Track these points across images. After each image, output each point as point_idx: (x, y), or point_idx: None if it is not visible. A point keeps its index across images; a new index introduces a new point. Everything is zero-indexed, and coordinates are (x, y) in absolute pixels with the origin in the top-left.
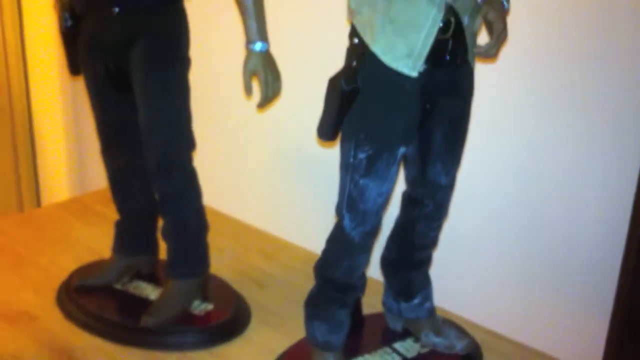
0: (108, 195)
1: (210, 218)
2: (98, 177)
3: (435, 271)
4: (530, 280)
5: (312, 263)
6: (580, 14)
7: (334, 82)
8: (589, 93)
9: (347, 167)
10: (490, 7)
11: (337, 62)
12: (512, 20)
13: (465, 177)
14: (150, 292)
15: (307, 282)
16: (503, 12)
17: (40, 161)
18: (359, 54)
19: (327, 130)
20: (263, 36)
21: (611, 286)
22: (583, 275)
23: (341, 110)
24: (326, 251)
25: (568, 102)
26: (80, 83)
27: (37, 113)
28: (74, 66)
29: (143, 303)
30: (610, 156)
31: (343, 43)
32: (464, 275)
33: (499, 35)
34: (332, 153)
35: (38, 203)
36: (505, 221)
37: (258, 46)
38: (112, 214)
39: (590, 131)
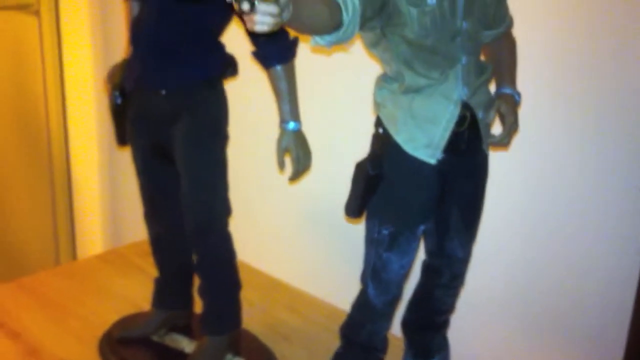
0: (144, 247)
1: (242, 272)
2: (132, 229)
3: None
4: (537, 328)
5: (336, 318)
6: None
7: (360, 167)
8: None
9: (371, 241)
10: (503, 101)
11: (362, 144)
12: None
13: None
14: (186, 345)
15: (331, 337)
16: (515, 105)
17: (76, 213)
18: (384, 142)
19: (353, 209)
20: (295, 116)
21: (622, 333)
22: (592, 322)
23: (366, 192)
24: (351, 315)
25: (576, 149)
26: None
27: (75, 165)
28: (122, 138)
29: (179, 356)
30: (621, 202)
31: (368, 129)
32: (470, 326)
33: (510, 127)
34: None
35: (74, 254)
36: (511, 274)
37: (291, 125)
38: (149, 266)
39: (597, 180)
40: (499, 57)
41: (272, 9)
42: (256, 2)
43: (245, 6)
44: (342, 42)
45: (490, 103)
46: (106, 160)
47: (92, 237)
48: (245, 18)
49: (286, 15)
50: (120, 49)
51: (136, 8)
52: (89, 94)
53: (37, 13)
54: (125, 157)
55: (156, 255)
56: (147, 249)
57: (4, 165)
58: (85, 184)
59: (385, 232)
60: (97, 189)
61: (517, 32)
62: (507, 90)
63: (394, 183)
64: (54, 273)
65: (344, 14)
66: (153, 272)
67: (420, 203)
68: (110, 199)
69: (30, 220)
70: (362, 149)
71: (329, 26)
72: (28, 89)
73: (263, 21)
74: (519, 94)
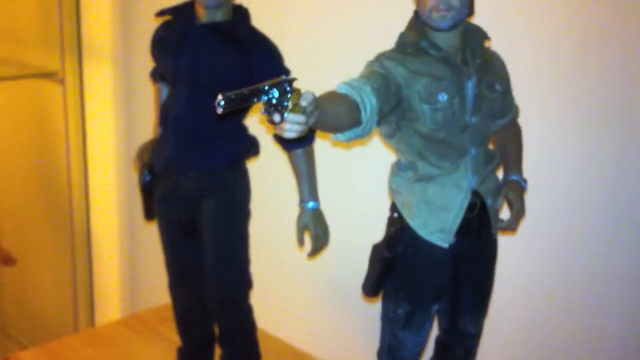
0: (165, 312)
1: (261, 339)
2: (150, 294)
3: None
4: None
5: None
6: None
7: (377, 249)
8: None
9: (387, 320)
10: (510, 189)
11: (377, 223)
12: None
13: None
14: None
15: None
16: (521, 192)
17: (96, 277)
18: (399, 226)
19: (370, 289)
20: (314, 196)
21: None
22: None
23: (383, 273)
24: None
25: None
26: (136, 204)
27: (96, 230)
28: (149, 214)
29: None
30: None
31: (382, 210)
32: None
33: (517, 212)
34: None
35: (92, 317)
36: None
37: (310, 205)
38: (169, 332)
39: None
40: (505, 145)
41: (300, 118)
42: (285, 114)
43: (277, 118)
44: (361, 137)
45: (498, 189)
46: (125, 227)
47: (110, 299)
48: (276, 127)
49: (312, 120)
50: (142, 118)
51: (164, 90)
52: (111, 160)
53: (62, 81)
54: (144, 223)
55: (180, 326)
56: (167, 314)
57: (27, 229)
58: (105, 248)
59: (400, 311)
60: (116, 253)
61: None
62: (514, 177)
63: (409, 265)
64: (79, 338)
65: (363, 113)
66: (173, 337)
67: (434, 284)
68: (128, 264)
69: (49, 282)
70: (376, 227)
71: (349, 125)
72: (51, 156)
73: (292, 129)
74: (525, 181)
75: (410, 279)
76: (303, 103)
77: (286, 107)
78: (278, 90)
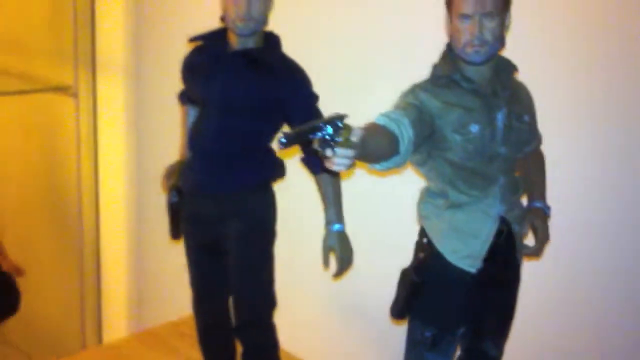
0: (181, 328)
1: (283, 357)
2: (157, 311)
3: None
4: None
5: None
6: None
7: (405, 274)
8: None
9: (414, 342)
10: (535, 216)
11: (402, 246)
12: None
13: None
14: None
15: None
16: (546, 218)
17: (104, 292)
18: (428, 251)
19: (398, 312)
20: (340, 219)
21: None
22: None
23: (410, 297)
24: None
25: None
26: (145, 220)
27: (105, 245)
28: (176, 233)
29: None
30: None
31: (406, 232)
32: None
33: (542, 239)
34: None
35: (100, 332)
36: None
37: (336, 227)
38: (185, 347)
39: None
40: (529, 172)
41: (350, 153)
42: (336, 149)
43: (329, 152)
44: (397, 167)
45: (523, 216)
46: (134, 241)
47: (118, 316)
48: (326, 160)
49: (358, 153)
50: (153, 133)
51: (192, 112)
52: (121, 174)
53: (75, 95)
54: (153, 240)
55: (202, 342)
56: (183, 329)
57: (35, 243)
58: (113, 263)
59: (427, 334)
60: (124, 268)
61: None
62: (538, 204)
63: (437, 289)
64: (93, 354)
65: (401, 144)
66: (189, 353)
67: (461, 308)
68: (136, 280)
69: (57, 297)
70: (400, 250)
71: (387, 155)
72: (62, 169)
73: (341, 163)
74: (548, 208)
75: (437, 303)
76: (353, 139)
77: (338, 142)
78: (332, 126)
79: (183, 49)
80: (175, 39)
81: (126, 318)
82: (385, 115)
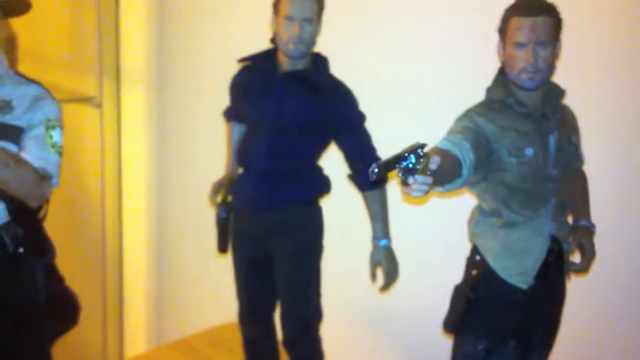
0: (211, 337)
1: None
2: (177, 327)
3: None
4: None
5: None
6: None
7: (459, 289)
8: None
9: (467, 355)
10: (582, 233)
11: (445, 260)
12: None
13: None
14: None
15: None
16: (592, 236)
17: (126, 306)
18: (481, 268)
19: (452, 326)
20: (386, 234)
21: None
22: None
23: (464, 312)
24: None
25: None
26: (169, 232)
27: (127, 256)
28: (224, 247)
29: None
30: None
31: (452, 247)
32: None
33: (589, 256)
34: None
35: (121, 349)
36: None
37: (383, 242)
38: (219, 356)
39: None
40: (574, 192)
41: (429, 180)
42: (417, 176)
43: (411, 180)
44: (458, 189)
45: (569, 234)
46: (156, 253)
47: (139, 326)
48: (405, 187)
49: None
50: (174, 142)
51: (236, 128)
52: (144, 183)
53: (99, 105)
54: (175, 250)
55: (248, 354)
56: (214, 338)
57: (57, 250)
58: (135, 274)
59: (480, 347)
60: (146, 281)
61: None
62: (584, 223)
63: (490, 305)
64: None
65: (464, 167)
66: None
67: (512, 322)
68: (157, 292)
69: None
70: (444, 265)
71: (450, 178)
72: (86, 178)
73: (420, 189)
74: (593, 225)
75: (490, 317)
76: (432, 166)
77: (417, 170)
78: (414, 155)
79: (205, 60)
80: (197, 50)
81: (147, 329)
82: (448, 140)
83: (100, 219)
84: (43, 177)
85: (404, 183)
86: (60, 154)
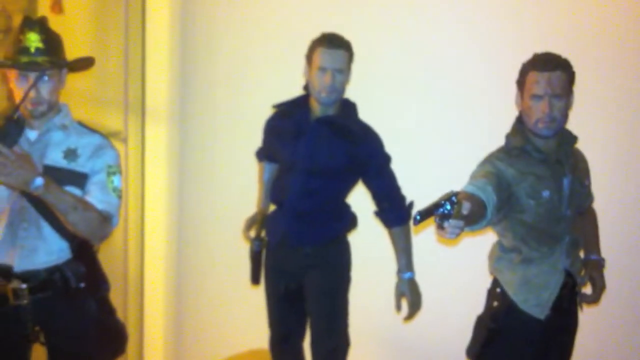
0: None
1: None
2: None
3: None
4: None
5: None
6: None
7: (481, 320)
8: None
9: None
10: (592, 267)
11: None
12: None
13: None
14: None
15: None
16: (602, 269)
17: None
18: (501, 300)
19: (475, 354)
20: (410, 268)
21: None
22: None
23: (486, 341)
24: None
25: None
26: (189, 266)
27: (148, 287)
28: (257, 279)
29: None
30: None
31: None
32: None
33: (600, 288)
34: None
35: None
36: None
37: (407, 275)
38: None
39: None
40: (584, 228)
41: (461, 224)
42: (451, 220)
43: (446, 224)
44: (481, 229)
45: (581, 268)
46: (176, 286)
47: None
48: (440, 230)
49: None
50: (196, 176)
51: (268, 168)
52: (165, 216)
53: (125, 140)
54: (194, 283)
55: None
56: None
57: None
58: (156, 306)
59: None
60: (166, 312)
61: None
62: (595, 257)
63: (510, 334)
64: None
65: (488, 209)
66: None
67: (530, 350)
68: (177, 323)
69: None
70: (464, 296)
71: (476, 219)
72: None
73: (453, 232)
74: (603, 259)
75: (510, 346)
76: (464, 212)
77: (451, 215)
78: (449, 203)
79: (226, 96)
80: (218, 89)
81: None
82: (472, 184)
83: (122, 250)
84: (105, 218)
85: (440, 227)
86: (120, 197)
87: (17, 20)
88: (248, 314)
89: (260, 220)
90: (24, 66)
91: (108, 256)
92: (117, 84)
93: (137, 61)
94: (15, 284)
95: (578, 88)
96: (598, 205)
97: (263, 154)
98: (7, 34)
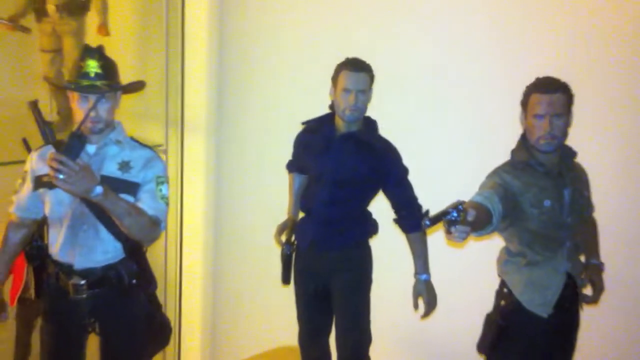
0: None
1: None
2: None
3: None
4: None
5: None
6: None
7: (490, 318)
8: None
9: None
10: (592, 271)
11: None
12: None
13: None
14: None
15: None
16: (601, 273)
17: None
18: (508, 299)
19: (485, 349)
20: (426, 270)
21: None
22: None
23: (495, 337)
24: None
25: None
26: (225, 274)
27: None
28: (287, 280)
29: None
30: None
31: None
32: None
33: (599, 290)
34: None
35: None
36: None
37: (423, 277)
38: None
39: None
40: (586, 236)
41: (467, 229)
42: (457, 226)
43: (453, 230)
44: (488, 234)
45: (582, 271)
46: (212, 291)
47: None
48: (449, 235)
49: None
50: (232, 185)
51: (297, 179)
52: (202, 225)
53: (165, 152)
54: (229, 290)
55: None
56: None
57: None
58: (193, 312)
59: None
60: (202, 314)
61: None
62: (595, 262)
63: (517, 331)
64: None
65: (494, 217)
66: None
67: (536, 345)
68: (212, 328)
69: None
70: (475, 296)
71: (484, 226)
72: None
73: (460, 236)
74: (602, 264)
75: (517, 341)
76: (470, 218)
77: (458, 221)
78: (456, 211)
79: (259, 112)
80: (252, 102)
81: (203, 355)
82: (480, 195)
83: (162, 253)
84: (155, 223)
85: (448, 232)
86: (167, 204)
87: (66, 42)
88: (279, 312)
89: (290, 227)
90: (85, 89)
91: (149, 259)
92: (158, 100)
93: (176, 79)
94: (75, 279)
95: (578, 105)
96: (598, 214)
97: (293, 166)
98: (57, 53)
